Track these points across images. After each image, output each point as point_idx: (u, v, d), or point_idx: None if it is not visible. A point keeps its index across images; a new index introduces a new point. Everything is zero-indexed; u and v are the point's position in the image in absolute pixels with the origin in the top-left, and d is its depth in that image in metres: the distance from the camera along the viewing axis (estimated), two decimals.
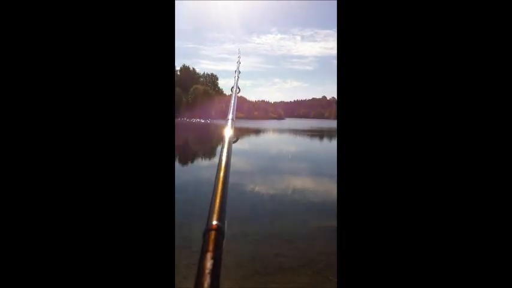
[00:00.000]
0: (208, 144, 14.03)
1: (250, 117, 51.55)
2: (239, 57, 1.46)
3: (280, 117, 61.75)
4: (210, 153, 10.87)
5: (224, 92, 56.12)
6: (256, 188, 5.68)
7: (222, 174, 0.46)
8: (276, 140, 18.93)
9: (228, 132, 0.60)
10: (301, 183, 6.32)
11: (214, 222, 0.35)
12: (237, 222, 3.72)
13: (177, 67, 50.44)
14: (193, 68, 53.17)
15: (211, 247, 0.31)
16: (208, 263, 0.29)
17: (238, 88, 1.00)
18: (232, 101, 0.87)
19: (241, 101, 58.28)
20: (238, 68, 1.29)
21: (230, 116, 0.70)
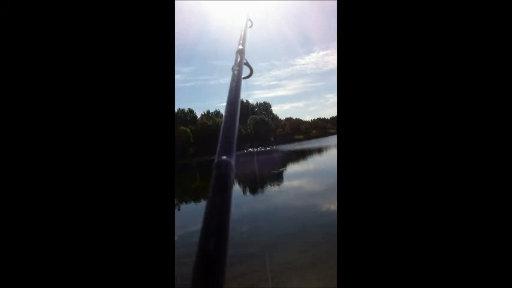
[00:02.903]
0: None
1: (309, 137, 50.99)
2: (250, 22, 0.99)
3: None
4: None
5: (279, 118, 57.24)
6: (332, 207, 5.58)
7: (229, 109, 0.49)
8: None
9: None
10: None
11: (224, 157, 0.38)
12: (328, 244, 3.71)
13: None
14: (246, 100, 55.82)
15: (223, 177, 0.35)
16: (220, 191, 0.33)
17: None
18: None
19: (297, 122, 58.36)
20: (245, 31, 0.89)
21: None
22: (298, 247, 3.78)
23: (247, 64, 0.70)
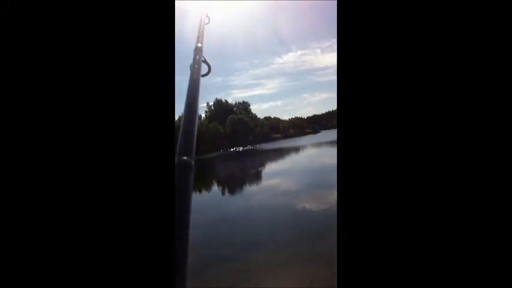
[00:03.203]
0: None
1: (286, 136, 51.69)
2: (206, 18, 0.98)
3: (315, 131, 60.98)
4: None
5: (258, 116, 57.46)
6: (307, 206, 5.90)
7: (188, 112, 0.49)
8: (315, 154, 18.86)
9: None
10: None
11: (184, 157, 0.38)
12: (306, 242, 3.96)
13: (211, 102, 53.28)
14: (225, 100, 55.49)
15: (183, 177, 0.36)
16: (182, 191, 0.35)
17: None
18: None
19: (275, 121, 58.89)
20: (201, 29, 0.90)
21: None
22: (273, 248, 3.95)
23: (205, 62, 0.70)
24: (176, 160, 0.39)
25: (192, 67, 0.63)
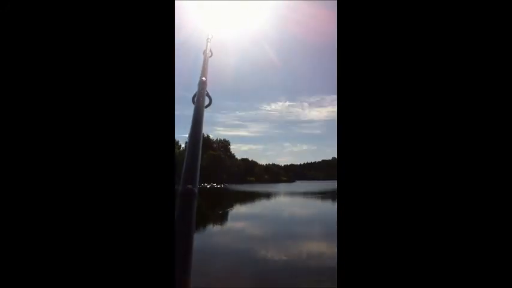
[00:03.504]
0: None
1: (261, 180, 51.48)
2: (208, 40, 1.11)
3: (290, 180, 61.35)
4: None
5: (236, 157, 57.48)
6: (269, 254, 5.53)
7: (192, 145, 0.51)
8: (287, 203, 18.61)
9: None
10: (316, 247, 6.11)
11: (189, 186, 0.40)
12: None
13: None
14: (207, 135, 55.63)
15: (186, 206, 0.38)
16: (184, 221, 0.36)
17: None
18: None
19: (252, 164, 59.03)
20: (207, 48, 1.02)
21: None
22: None
23: (207, 95, 0.73)
24: (181, 188, 0.40)
25: (196, 99, 0.66)
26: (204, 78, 0.75)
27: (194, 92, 0.70)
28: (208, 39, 1.08)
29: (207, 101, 0.74)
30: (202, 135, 0.55)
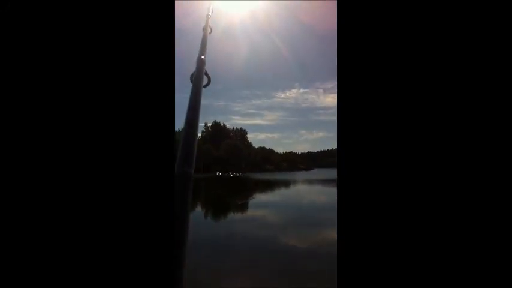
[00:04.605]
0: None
1: (279, 169, 51.56)
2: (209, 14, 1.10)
3: (308, 168, 61.03)
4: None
5: (253, 146, 57.72)
6: (289, 242, 5.61)
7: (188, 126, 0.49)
8: (306, 191, 18.61)
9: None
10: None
11: (185, 168, 0.40)
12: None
13: (209, 123, 53.70)
14: (223, 124, 56.00)
15: (182, 188, 0.38)
16: (181, 203, 0.37)
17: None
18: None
19: (269, 153, 59.09)
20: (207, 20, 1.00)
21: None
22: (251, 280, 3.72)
23: (206, 74, 0.70)
24: (176, 170, 0.39)
25: (194, 78, 0.63)
26: (203, 57, 0.72)
27: (193, 71, 0.67)
28: (208, 15, 1.03)
29: (205, 81, 0.71)
30: (199, 115, 0.53)
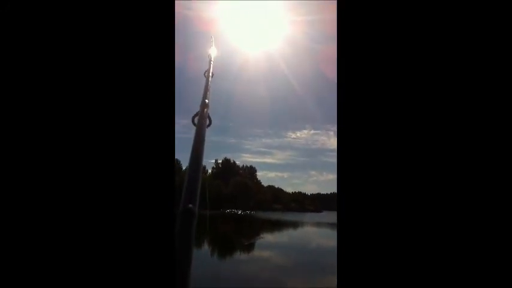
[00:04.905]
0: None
1: (287, 208, 50.42)
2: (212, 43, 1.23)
3: (317, 210, 59.35)
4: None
5: (262, 184, 57.22)
6: (296, 286, 5.52)
7: (193, 162, 0.51)
8: (314, 233, 18.11)
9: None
10: None
11: (189, 205, 0.41)
12: None
13: (220, 160, 54.19)
14: (233, 161, 56.30)
15: (186, 225, 0.39)
16: (184, 239, 0.37)
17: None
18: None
19: (278, 192, 58.20)
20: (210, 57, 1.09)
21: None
22: None
23: (208, 116, 0.72)
24: (181, 207, 0.42)
25: (198, 120, 0.66)
26: (206, 100, 0.75)
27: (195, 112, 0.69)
28: (210, 61, 1.07)
29: (206, 122, 0.72)
30: (203, 155, 0.55)
